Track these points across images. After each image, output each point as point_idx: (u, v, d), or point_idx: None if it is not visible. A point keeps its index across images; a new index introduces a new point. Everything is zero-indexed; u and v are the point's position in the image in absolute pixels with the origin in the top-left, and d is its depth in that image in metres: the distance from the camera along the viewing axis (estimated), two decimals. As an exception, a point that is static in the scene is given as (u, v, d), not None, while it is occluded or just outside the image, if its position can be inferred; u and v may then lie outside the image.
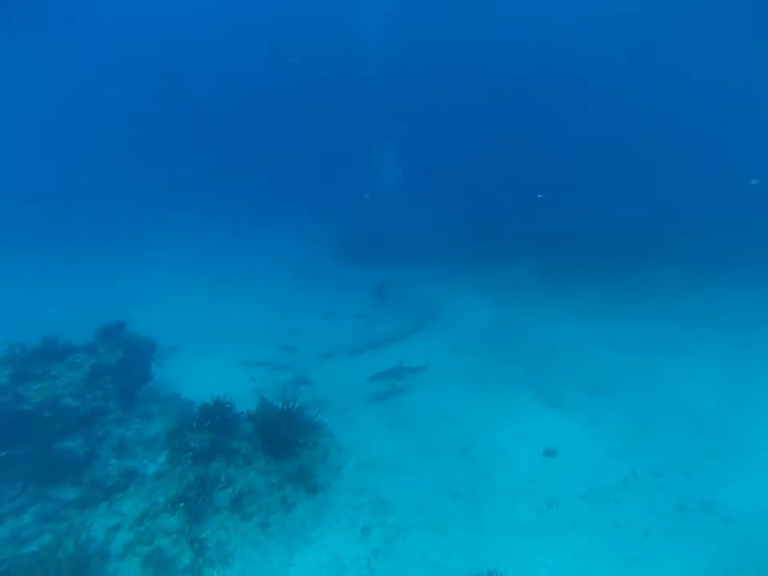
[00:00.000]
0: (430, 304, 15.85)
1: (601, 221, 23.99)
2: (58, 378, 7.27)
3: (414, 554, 6.27)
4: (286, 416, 7.68)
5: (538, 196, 24.25)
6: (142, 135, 49.11)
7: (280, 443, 7.30)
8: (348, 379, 10.77)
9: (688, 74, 37.85)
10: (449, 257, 20.27)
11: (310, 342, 13.23)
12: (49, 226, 27.73)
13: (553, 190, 26.21)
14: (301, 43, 47.46)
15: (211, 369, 10.90)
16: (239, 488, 6.51)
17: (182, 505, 6.08)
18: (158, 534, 5.87)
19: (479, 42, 45.82)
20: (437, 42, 45.72)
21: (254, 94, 52.33)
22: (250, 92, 52.23)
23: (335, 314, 15.58)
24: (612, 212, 25.00)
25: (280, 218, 30.14)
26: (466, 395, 10.32)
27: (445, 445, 8.74)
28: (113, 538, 5.86)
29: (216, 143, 48.94)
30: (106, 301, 15.37)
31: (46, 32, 37.73)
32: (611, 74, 43.40)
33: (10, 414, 6.71)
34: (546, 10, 41.53)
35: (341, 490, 7.31)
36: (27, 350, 7.96)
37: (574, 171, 32.96)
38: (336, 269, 21.48)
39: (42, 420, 6.93)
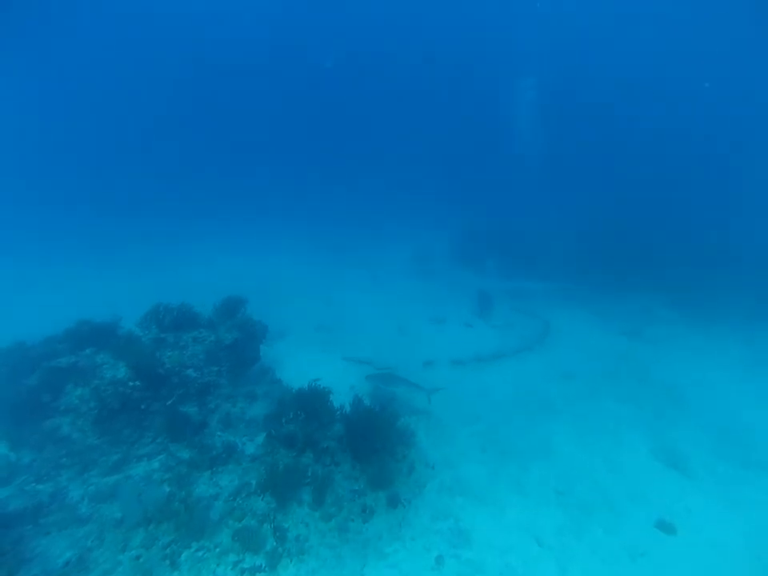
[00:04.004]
0: (543, 323, 14.68)
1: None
2: (185, 349, 8.22)
3: (487, 599, 5.87)
4: (378, 421, 7.65)
5: None
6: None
7: (368, 449, 7.34)
8: (446, 391, 10.44)
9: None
10: (568, 273, 18.40)
11: (415, 345, 13.04)
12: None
13: (696, 209, 22.36)
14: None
15: (315, 359, 11.39)
16: (323, 488, 6.70)
17: (269, 492, 6.45)
18: (248, 513, 6.32)
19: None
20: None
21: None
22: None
23: (444, 320, 15.17)
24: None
25: (400, 212, 30.31)
26: (570, 430, 9.34)
27: (538, 482, 8.02)
28: (212, 505, 6.46)
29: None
30: (232, 284, 16.59)
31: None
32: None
33: (150, 375, 7.77)
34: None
35: (421, 510, 7.12)
36: (169, 313, 9.21)
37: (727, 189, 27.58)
38: (451, 269, 21.06)
39: (170, 384, 7.93)
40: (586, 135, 40.64)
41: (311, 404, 7.82)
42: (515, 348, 12.66)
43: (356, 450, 7.37)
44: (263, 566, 5.74)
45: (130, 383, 7.45)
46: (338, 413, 7.92)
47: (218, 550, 5.83)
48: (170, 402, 7.67)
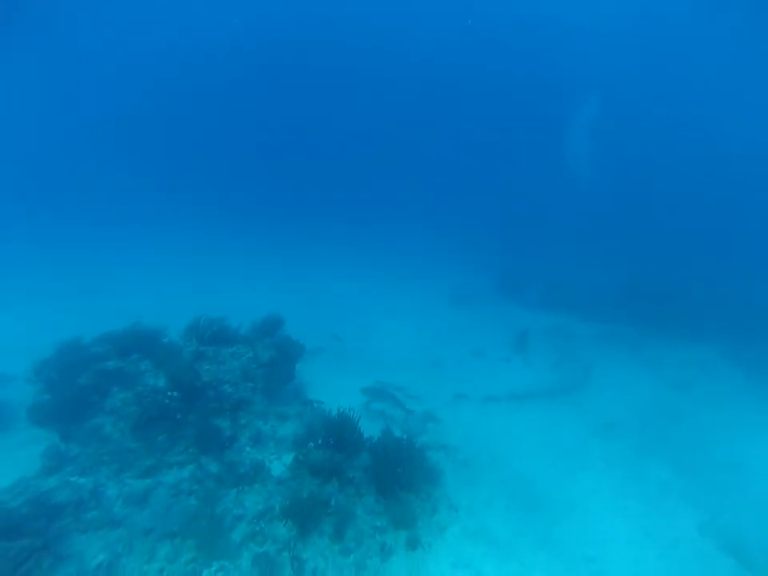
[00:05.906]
0: (585, 365, 13.94)
1: None
2: (222, 364, 8.45)
3: None
4: (406, 456, 7.56)
5: None
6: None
7: (394, 484, 7.24)
8: (477, 428, 10.13)
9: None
10: (615, 315, 17.48)
11: (449, 376, 12.83)
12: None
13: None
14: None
15: (350, 381, 11.31)
16: (345, 520, 6.63)
17: (291, 519, 6.45)
18: (269, 538, 6.33)
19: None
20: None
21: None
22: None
23: (481, 353, 14.83)
24: None
25: (442, 245, 30.05)
26: (607, 489, 8.75)
27: (568, 544, 7.52)
28: (235, 526, 6.53)
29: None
30: (276, 301, 15.63)
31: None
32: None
33: (187, 387, 8.05)
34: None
35: (441, 555, 6.86)
36: (209, 327, 9.53)
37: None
38: (492, 301, 20.66)
39: (205, 397, 8.17)
40: (648, 172, 39.19)
41: (340, 431, 7.81)
42: (553, 389, 12.13)
43: (381, 483, 7.27)
44: (279, 596, 5.71)
45: (169, 393, 7.74)
46: (367, 442, 7.86)
47: (237, 572, 5.86)
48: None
